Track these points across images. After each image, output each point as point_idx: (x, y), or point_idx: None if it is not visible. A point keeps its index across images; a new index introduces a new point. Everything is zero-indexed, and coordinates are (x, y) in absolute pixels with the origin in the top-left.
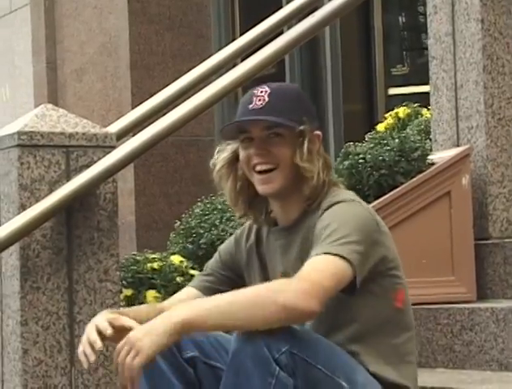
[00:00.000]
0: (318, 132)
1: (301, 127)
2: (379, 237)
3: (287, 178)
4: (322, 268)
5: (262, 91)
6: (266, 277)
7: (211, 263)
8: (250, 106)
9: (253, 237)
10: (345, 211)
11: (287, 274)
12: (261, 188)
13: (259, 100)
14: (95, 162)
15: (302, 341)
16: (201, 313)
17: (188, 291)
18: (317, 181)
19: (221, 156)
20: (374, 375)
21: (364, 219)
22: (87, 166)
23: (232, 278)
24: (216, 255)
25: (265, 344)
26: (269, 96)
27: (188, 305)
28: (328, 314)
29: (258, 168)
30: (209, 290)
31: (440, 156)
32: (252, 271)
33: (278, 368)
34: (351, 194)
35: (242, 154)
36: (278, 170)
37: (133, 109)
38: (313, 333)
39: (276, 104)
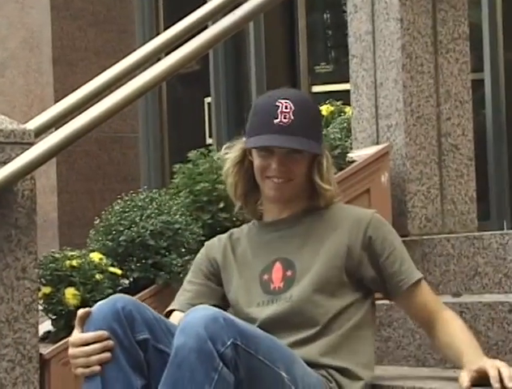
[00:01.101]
0: (327, 151)
1: (321, 148)
2: None
3: (297, 190)
4: (433, 294)
5: (286, 107)
6: (243, 269)
7: (188, 277)
8: (276, 121)
9: (225, 241)
10: (392, 229)
11: (285, 260)
12: (271, 193)
13: (285, 117)
14: (12, 159)
15: (244, 333)
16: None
17: (177, 316)
18: (331, 195)
19: (230, 155)
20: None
21: None
22: (5, 163)
23: (209, 285)
24: (193, 266)
25: (209, 337)
26: (294, 113)
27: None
28: (321, 302)
29: (275, 180)
30: (191, 306)
31: (360, 153)
32: (230, 274)
33: (221, 363)
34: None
35: (258, 162)
36: (291, 183)
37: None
38: (254, 326)
39: (301, 124)
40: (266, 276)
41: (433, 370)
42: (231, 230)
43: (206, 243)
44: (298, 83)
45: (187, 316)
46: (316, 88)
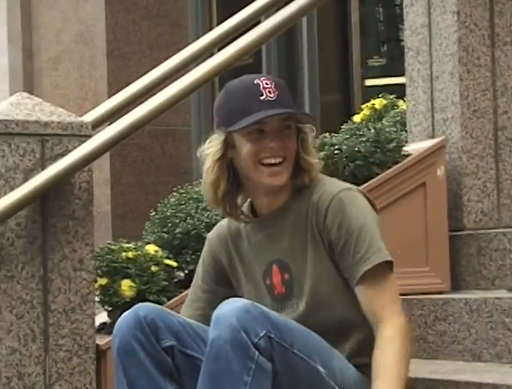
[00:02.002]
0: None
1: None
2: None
3: (290, 170)
4: (390, 291)
5: (267, 83)
6: (251, 277)
7: (197, 282)
8: (262, 98)
9: (226, 237)
10: (358, 206)
11: (280, 262)
12: (269, 180)
13: (269, 91)
14: (70, 151)
15: (278, 326)
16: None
17: None
18: (316, 170)
19: (209, 150)
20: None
21: (371, 209)
22: (63, 155)
23: (220, 291)
24: (200, 266)
25: (242, 328)
26: (276, 87)
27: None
28: (327, 303)
29: (272, 160)
30: (204, 318)
31: (415, 147)
32: (237, 275)
33: (257, 352)
34: (342, 182)
35: (250, 147)
36: (285, 163)
37: (109, 98)
38: (287, 319)
39: (286, 97)
40: (268, 281)
41: (489, 365)
42: (226, 219)
43: (208, 237)
44: (351, 77)
45: (219, 309)
46: (369, 82)
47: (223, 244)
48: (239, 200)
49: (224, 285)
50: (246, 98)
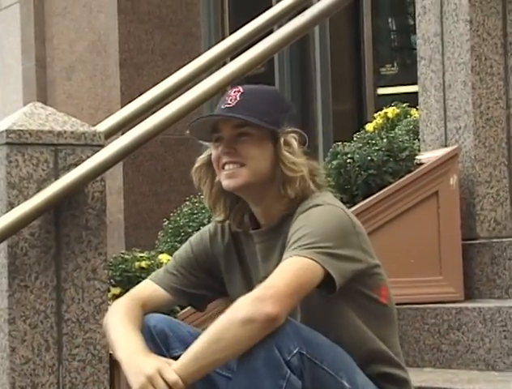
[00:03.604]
0: (294, 135)
1: (273, 127)
2: (355, 239)
3: (255, 178)
4: (285, 270)
5: (235, 91)
6: (248, 282)
7: (180, 261)
8: (223, 106)
9: (228, 238)
10: (319, 215)
11: None
12: (225, 182)
13: (231, 99)
14: (83, 161)
15: (309, 342)
16: (191, 366)
17: (154, 288)
18: (300, 184)
19: (199, 157)
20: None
21: (339, 222)
22: (76, 165)
23: (205, 281)
24: (189, 252)
25: (276, 345)
26: (241, 95)
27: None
28: (315, 312)
29: (226, 167)
30: (177, 292)
31: (428, 156)
32: (233, 276)
33: (289, 371)
34: (329, 198)
35: (213, 153)
36: (244, 169)
37: (122, 107)
38: (317, 332)
39: (247, 104)
40: None
41: (504, 375)
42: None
43: (207, 230)
44: (363, 85)
45: None
46: (381, 90)
47: (224, 244)
48: (240, 209)
49: (208, 275)
50: (217, 106)
